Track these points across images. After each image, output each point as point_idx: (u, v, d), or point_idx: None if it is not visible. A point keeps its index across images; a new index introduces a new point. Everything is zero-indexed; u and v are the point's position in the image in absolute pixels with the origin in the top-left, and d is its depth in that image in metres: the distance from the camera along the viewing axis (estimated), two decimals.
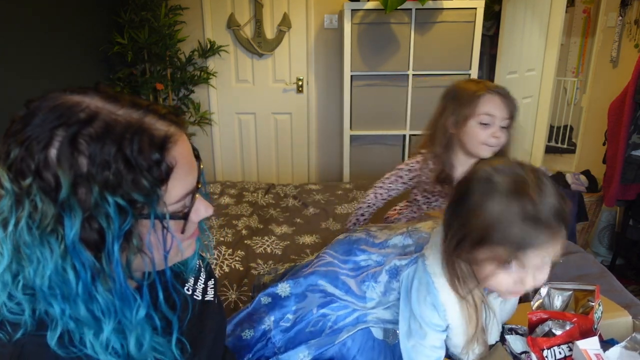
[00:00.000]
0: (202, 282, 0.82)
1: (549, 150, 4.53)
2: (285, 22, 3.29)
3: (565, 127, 4.72)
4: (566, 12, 3.26)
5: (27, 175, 0.48)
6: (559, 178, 2.89)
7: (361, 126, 3.05)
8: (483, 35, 2.98)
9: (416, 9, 2.78)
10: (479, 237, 0.73)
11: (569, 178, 2.84)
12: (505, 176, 0.73)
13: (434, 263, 0.84)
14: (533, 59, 3.41)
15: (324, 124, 3.50)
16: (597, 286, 0.90)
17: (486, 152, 1.32)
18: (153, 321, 0.58)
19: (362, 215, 1.56)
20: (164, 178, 0.53)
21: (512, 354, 0.87)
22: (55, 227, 0.49)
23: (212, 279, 0.87)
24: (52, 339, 0.52)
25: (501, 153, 1.35)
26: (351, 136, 3.06)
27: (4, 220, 0.50)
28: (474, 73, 2.91)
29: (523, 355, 0.85)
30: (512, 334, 0.89)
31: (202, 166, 0.62)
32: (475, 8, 2.79)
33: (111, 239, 0.50)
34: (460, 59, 2.89)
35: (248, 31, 3.31)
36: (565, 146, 4.67)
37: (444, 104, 1.37)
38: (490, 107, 1.27)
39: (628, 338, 0.78)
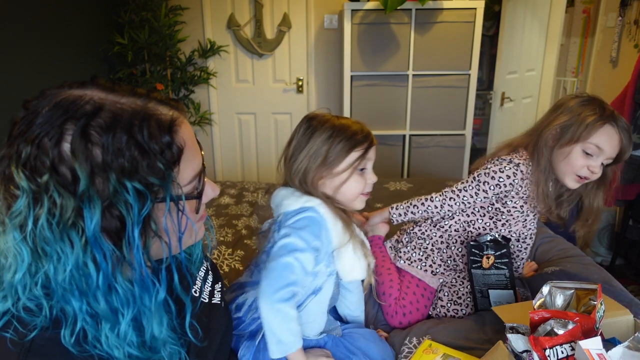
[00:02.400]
0: (209, 284, 0.82)
1: None
2: (285, 22, 3.29)
3: None
4: (566, 12, 3.26)
5: (43, 172, 0.48)
6: None
7: None
8: (483, 35, 2.99)
9: (416, 9, 2.78)
10: (329, 159, 1.01)
11: None
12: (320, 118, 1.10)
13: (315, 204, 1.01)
14: (533, 59, 3.41)
15: None
16: (599, 285, 0.90)
17: (572, 183, 1.19)
18: (168, 306, 0.59)
19: (411, 212, 1.38)
20: (175, 160, 0.55)
21: (513, 352, 0.86)
22: (76, 220, 0.49)
23: (219, 283, 0.86)
24: (67, 336, 0.52)
25: (580, 192, 1.23)
26: None
27: (21, 221, 0.49)
28: (474, 73, 2.91)
29: (525, 355, 0.84)
30: (513, 332, 0.89)
31: (202, 152, 0.63)
32: (475, 8, 2.79)
33: (131, 225, 0.51)
34: (460, 59, 2.89)
35: (248, 31, 3.31)
36: None
37: (558, 113, 1.20)
38: (605, 141, 1.12)
39: (631, 338, 0.77)
